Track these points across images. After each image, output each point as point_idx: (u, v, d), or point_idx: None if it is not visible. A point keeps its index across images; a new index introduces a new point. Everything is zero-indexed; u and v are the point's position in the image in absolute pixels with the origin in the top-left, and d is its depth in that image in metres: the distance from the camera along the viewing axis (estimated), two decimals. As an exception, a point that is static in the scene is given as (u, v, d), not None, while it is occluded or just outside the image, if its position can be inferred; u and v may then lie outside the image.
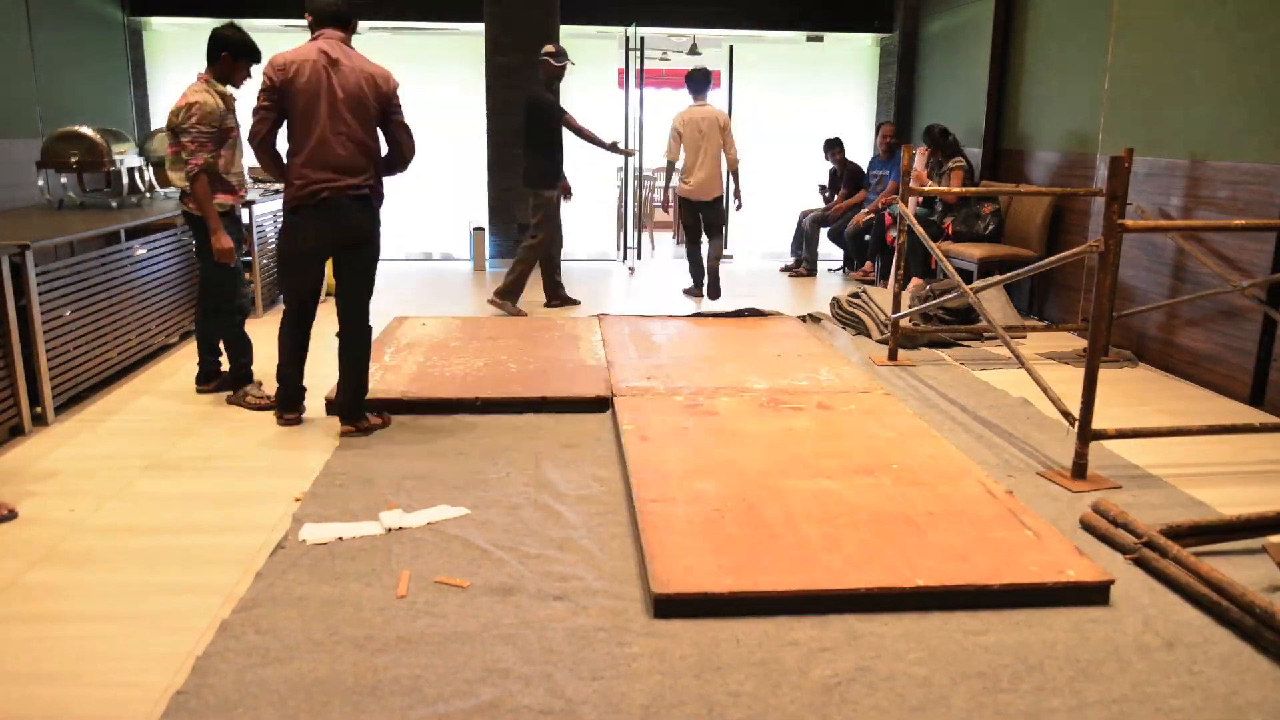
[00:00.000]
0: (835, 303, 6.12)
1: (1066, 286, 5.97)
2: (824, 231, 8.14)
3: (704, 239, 6.75)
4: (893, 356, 5.05)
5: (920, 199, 6.77)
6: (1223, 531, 2.79)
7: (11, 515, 2.96)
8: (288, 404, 3.86)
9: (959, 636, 2.29)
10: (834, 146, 8.18)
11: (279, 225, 4.25)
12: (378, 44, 8.47)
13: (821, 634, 2.29)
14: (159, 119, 8.24)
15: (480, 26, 8.06)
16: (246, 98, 3.84)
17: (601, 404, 4.06)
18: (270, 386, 4.00)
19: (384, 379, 4.30)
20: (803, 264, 8.06)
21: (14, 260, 3.68)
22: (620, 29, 8.37)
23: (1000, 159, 6.90)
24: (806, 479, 3.13)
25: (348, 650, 2.20)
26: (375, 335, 4.08)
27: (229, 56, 3.99)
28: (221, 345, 4.28)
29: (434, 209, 8.66)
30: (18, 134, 6.13)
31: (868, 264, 7.66)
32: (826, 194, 8.31)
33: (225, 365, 4.30)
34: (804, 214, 8.23)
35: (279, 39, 8.38)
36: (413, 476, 3.23)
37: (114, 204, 5.17)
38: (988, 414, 4.12)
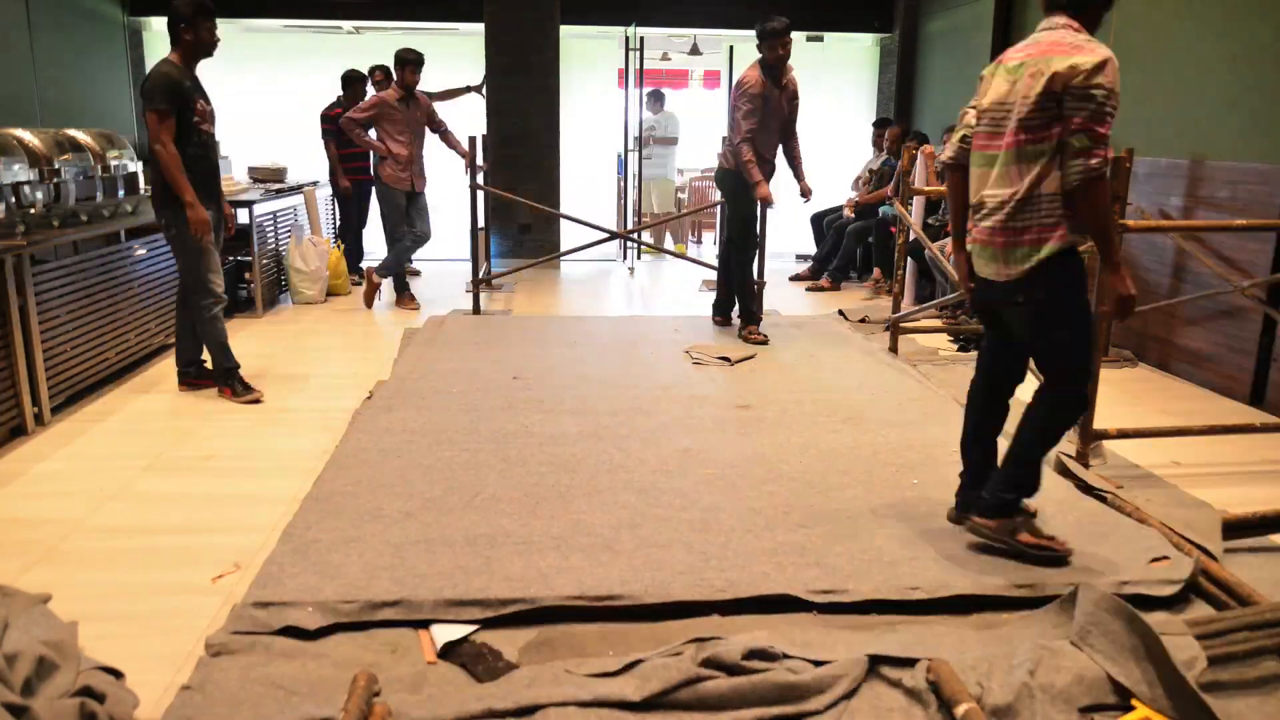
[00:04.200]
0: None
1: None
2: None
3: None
4: (894, 351, 5.07)
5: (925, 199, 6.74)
6: (1249, 527, 2.80)
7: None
8: None
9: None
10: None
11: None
12: (378, 44, 8.47)
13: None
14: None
15: (480, 26, 8.06)
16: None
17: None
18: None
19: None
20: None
21: (12, 260, 3.68)
22: (620, 29, 8.38)
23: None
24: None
25: (349, 647, 2.20)
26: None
27: None
28: None
29: (433, 209, 8.63)
30: (17, 134, 6.13)
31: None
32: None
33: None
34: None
35: (279, 38, 8.39)
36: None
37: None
38: (988, 414, 4.11)
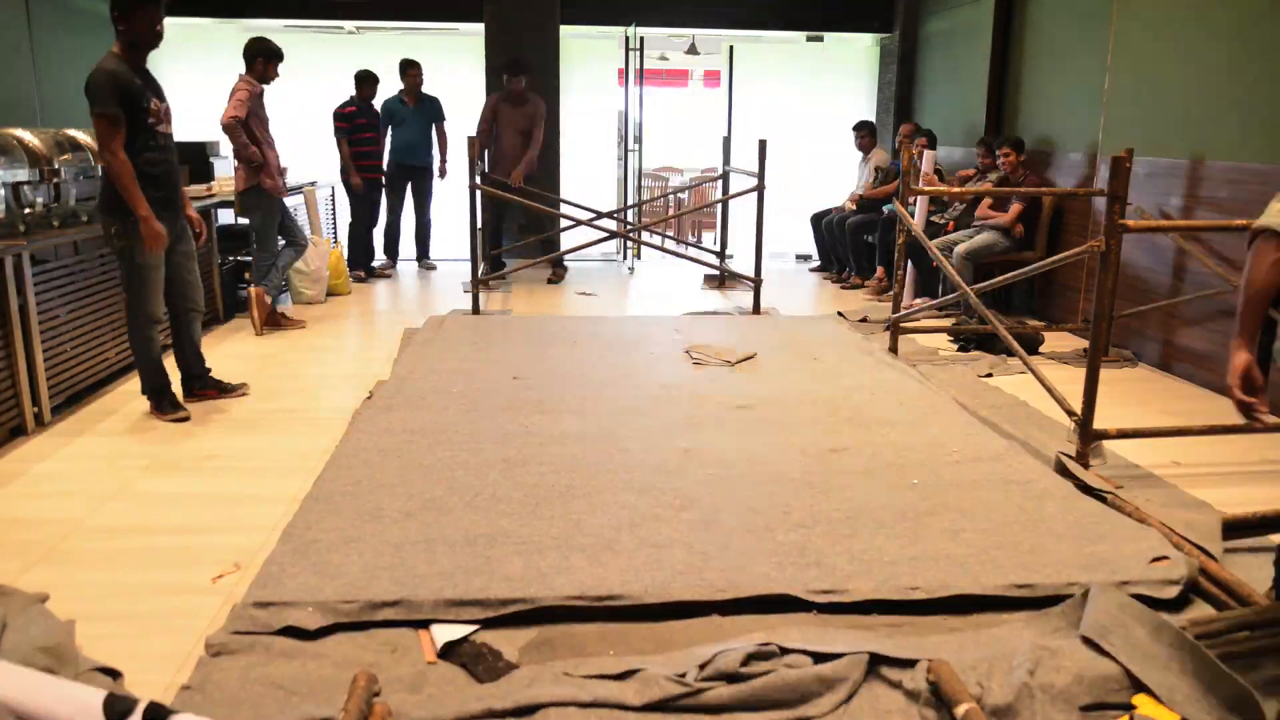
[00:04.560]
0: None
1: (1066, 286, 5.97)
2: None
3: None
4: (893, 351, 5.07)
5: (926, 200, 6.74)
6: (1249, 527, 2.80)
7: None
8: None
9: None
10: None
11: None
12: (378, 44, 8.47)
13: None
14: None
15: (480, 26, 8.06)
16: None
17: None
18: None
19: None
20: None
21: (12, 260, 3.68)
22: (620, 29, 8.37)
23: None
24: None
25: (349, 647, 2.20)
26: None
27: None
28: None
29: (434, 209, 8.64)
30: (17, 134, 6.12)
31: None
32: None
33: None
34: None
35: (280, 38, 8.35)
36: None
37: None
38: (989, 413, 4.12)
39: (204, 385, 4.23)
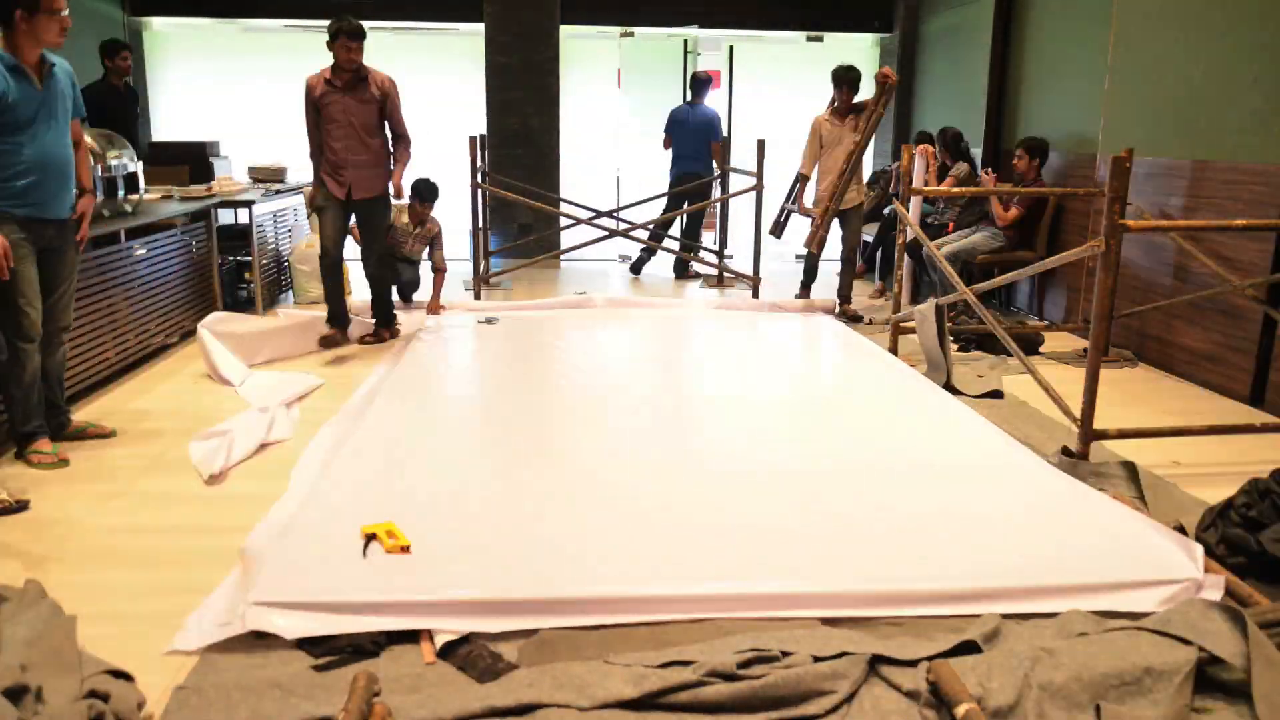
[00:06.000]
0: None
1: (1066, 286, 5.97)
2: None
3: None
4: (894, 352, 5.06)
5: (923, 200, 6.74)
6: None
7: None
8: None
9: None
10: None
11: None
12: (378, 44, 8.46)
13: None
14: (158, 118, 8.24)
15: (480, 26, 8.06)
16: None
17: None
18: None
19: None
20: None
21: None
22: (620, 29, 8.38)
23: (1000, 159, 6.90)
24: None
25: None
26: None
27: None
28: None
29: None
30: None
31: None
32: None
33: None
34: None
35: (280, 38, 8.38)
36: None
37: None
38: (989, 414, 4.11)
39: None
